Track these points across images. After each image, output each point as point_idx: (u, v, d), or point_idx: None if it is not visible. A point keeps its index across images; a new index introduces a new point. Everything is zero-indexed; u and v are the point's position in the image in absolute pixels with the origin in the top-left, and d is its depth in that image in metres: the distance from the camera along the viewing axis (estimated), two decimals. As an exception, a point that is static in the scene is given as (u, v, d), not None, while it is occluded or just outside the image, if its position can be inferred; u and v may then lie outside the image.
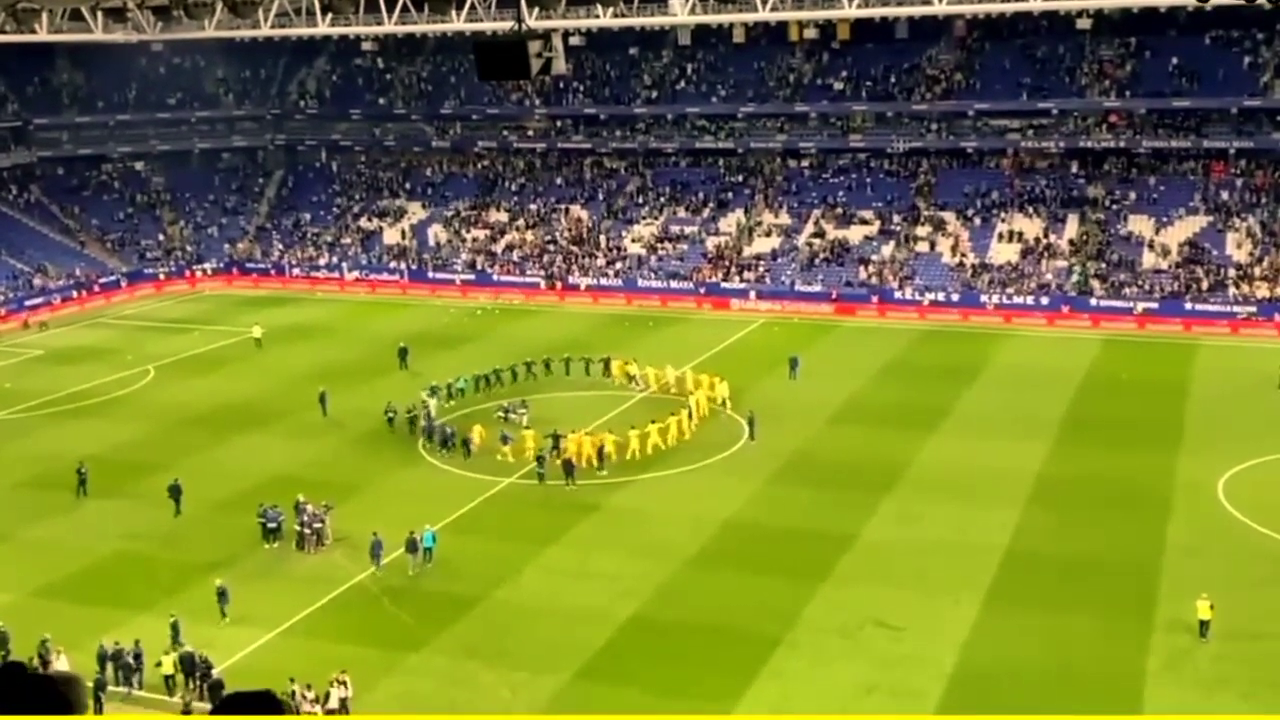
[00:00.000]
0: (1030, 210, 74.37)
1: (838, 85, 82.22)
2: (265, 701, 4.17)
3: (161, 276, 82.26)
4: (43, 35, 71.08)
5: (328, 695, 26.64)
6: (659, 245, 78.42)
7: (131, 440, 47.43)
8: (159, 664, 28.44)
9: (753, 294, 71.68)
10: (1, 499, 41.66)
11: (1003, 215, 74.68)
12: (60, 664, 28.22)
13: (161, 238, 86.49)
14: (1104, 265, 68.91)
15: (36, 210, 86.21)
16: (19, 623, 30.32)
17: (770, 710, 26.94)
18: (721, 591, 32.89)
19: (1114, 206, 73.41)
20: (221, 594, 31.70)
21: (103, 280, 79.35)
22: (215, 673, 27.88)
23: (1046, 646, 29.33)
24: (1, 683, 4.05)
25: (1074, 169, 77.03)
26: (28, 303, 73.80)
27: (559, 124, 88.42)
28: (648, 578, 33.67)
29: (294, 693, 26.41)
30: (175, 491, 39.83)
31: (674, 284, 74.30)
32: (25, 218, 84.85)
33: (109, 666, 28.35)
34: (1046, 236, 72.07)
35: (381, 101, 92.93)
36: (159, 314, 74.14)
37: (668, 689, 27.86)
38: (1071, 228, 72.53)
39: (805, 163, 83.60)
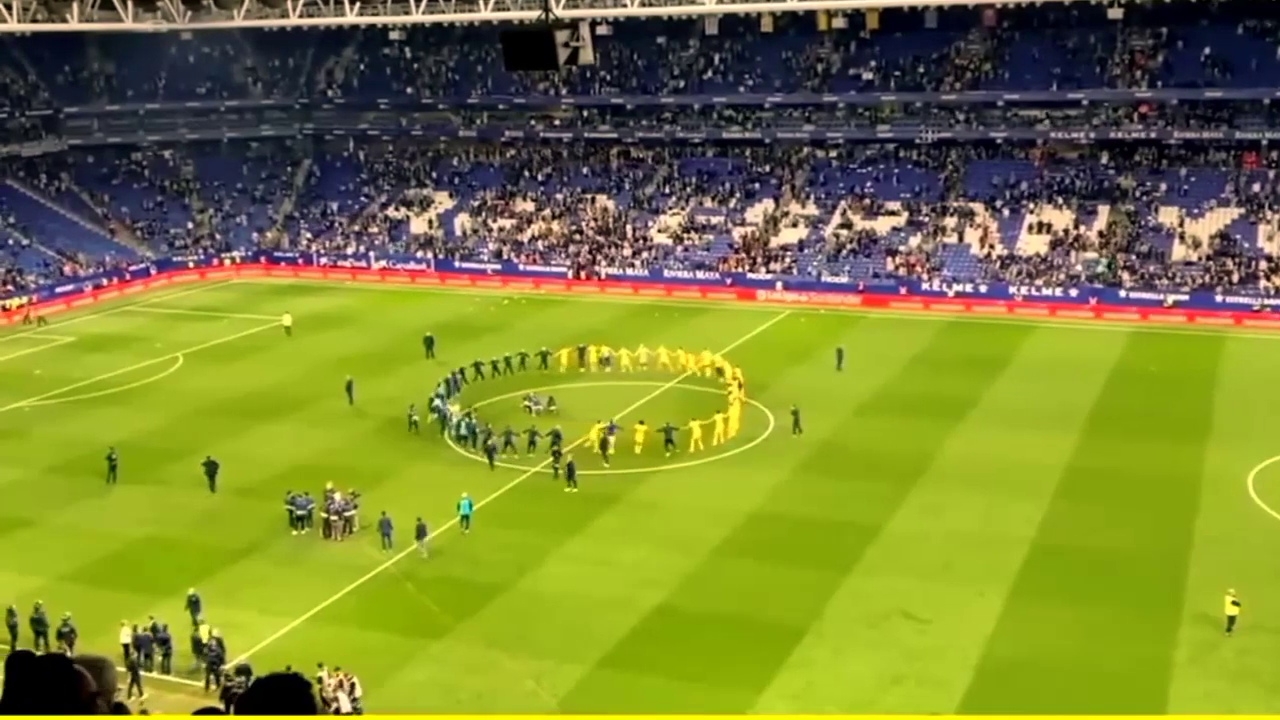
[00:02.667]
0: (1060, 201, 73.90)
1: (866, 75, 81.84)
2: (292, 689, 4.15)
3: (190, 264, 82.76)
4: (74, 24, 71.76)
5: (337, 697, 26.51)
6: (685, 235, 78.33)
7: (160, 427, 47.76)
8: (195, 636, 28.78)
9: (779, 285, 71.51)
10: (32, 484, 42.05)
11: (1032, 206, 74.23)
12: (123, 635, 28.84)
13: (190, 226, 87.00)
14: (1134, 257, 68.40)
15: (67, 198, 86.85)
16: (48, 607, 30.55)
17: (794, 700, 26.92)
18: (746, 582, 32.89)
19: (1144, 198, 72.84)
20: (194, 603, 30.64)
21: (132, 268, 79.88)
22: (243, 658, 28.02)
23: (1073, 639, 29.19)
24: (34, 672, 4.03)
25: (1104, 160, 76.47)
26: (59, 289, 74.38)
27: (585, 113, 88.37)
28: (672, 568, 33.69)
29: (320, 679, 26.57)
30: (211, 468, 40.75)
31: (700, 274, 74.21)
32: (56, 205, 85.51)
33: (134, 650, 28.60)
34: (1076, 228, 71.60)
35: (409, 91, 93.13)
36: (188, 302, 74.61)
37: (692, 678, 27.87)
38: (1101, 219, 72.03)
39: (833, 153, 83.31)
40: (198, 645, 28.83)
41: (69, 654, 26.70)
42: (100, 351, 61.19)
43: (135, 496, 40.50)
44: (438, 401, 46.88)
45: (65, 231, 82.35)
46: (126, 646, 28.60)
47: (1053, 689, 26.91)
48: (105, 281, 77.15)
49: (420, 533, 34.91)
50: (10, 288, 72.44)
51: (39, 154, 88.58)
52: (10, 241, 78.42)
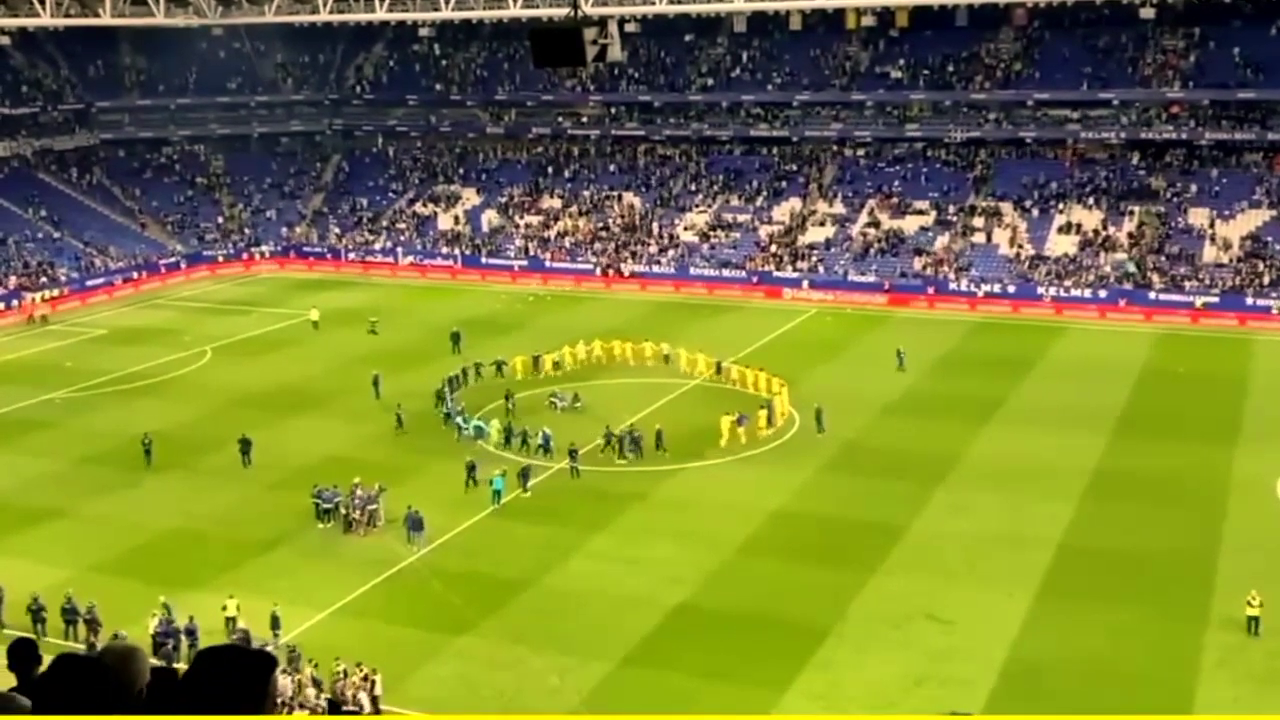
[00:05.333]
0: (1089, 202, 73.46)
1: (895, 73, 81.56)
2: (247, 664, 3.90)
3: (220, 259, 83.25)
4: (106, 19, 72.41)
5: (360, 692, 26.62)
6: (712, 233, 78.27)
7: (189, 420, 48.07)
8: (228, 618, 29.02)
9: (805, 283, 71.35)
10: (63, 474, 42.41)
11: (1061, 207, 73.81)
12: (152, 625, 29.28)
13: (220, 220, 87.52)
14: (1164, 258, 67.92)
15: (98, 192, 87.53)
16: (78, 598, 30.82)
17: (818, 699, 26.89)
18: (770, 580, 32.85)
19: (1175, 199, 72.32)
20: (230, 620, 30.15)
21: (163, 262, 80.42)
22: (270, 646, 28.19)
23: (1099, 641, 29.03)
24: (63, 671, 4.02)
25: (1134, 160, 75.97)
26: (89, 282, 74.97)
27: (613, 111, 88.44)
28: (696, 566, 33.70)
29: (343, 671, 26.71)
30: (245, 445, 42.10)
31: (726, 272, 74.13)
32: (87, 199, 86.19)
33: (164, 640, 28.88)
34: (1105, 228, 71.16)
35: (438, 87, 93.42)
36: (217, 296, 75.07)
37: (715, 676, 27.87)
38: (1131, 220, 71.55)
39: (861, 152, 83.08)
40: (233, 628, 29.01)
41: (94, 641, 26.98)
42: (130, 344, 61.66)
43: (164, 487, 40.82)
44: (475, 421, 45.30)
45: (96, 225, 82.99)
46: (155, 636, 28.88)
47: (1078, 691, 26.78)
48: (135, 275, 77.67)
49: (414, 524, 35.28)
50: (44, 280, 73.04)
51: (71, 148, 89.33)
52: (41, 235, 79.06)
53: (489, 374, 51.57)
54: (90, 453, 44.61)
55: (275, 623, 29.68)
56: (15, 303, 68.85)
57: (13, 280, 72.04)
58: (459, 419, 45.46)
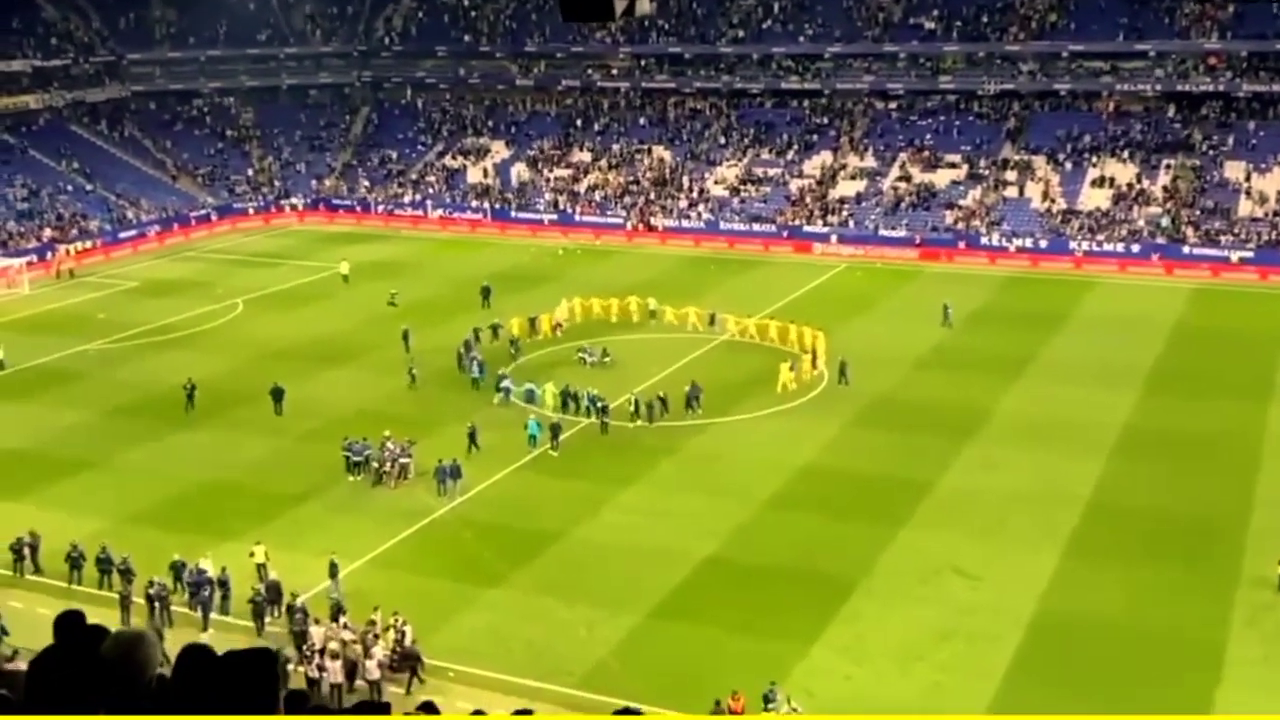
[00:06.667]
0: (1123, 155, 72.57)
1: (928, 25, 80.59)
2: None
3: (250, 211, 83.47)
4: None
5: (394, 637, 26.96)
6: (742, 187, 77.84)
7: (221, 371, 48.37)
8: (252, 587, 29.32)
9: (834, 238, 70.93)
10: (97, 426, 42.85)
11: (1095, 160, 72.97)
12: (206, 564, 29.93)
13: (250, 173, 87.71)
14: (1198, 212, 67.13)
15: (130, 144, 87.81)
16: (112, 548, 31.23)
17: (844, 652, 27.01)
18: (799, 534, 32.93)
19: (1211, 152, 71.37)
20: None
21: (194, 214, 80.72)
22: (300, 601, 28.52)
23: (1127, 599, 29.02)
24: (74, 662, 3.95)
25: (1170, 113, 74.94)
26: (121, 235, 75.36)
27: (643, 63, 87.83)
28: (725, 519, 33.80)
29: (373, 621, 27.01)
30: (278, 394, 42.81)
31: (756, 226, 73.76)
32: (119, 151, 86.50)
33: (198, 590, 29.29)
34: (1139, 182, 70.35)
35: (466, 39, 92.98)
36: (247, 248, 75.34)
37: (743, 629, 28.01)
38: (1166, 174, 70.68)
39: (893, 104, 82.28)
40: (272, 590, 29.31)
41: (128, 592, 27.25)
42: (162, 296, 62.04)
43: (197, 439, 41.19)
44: (512, 386, 44.31)
45: (127, 177, 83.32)
46: (190, 585, 29.29)
47: (1105, 648, 26.77)
48: (167, 227, 78.01)
49: (441, 475, 35.66)
50: (75, 231, 73.46)
51: (102, 100, 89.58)
52: (73, 187, 79.45)
53: (487, 337, 50.16)
54: (124, 404, 45.01)
55: (334, 571, 30.05)
56: (49, 255, 69.28)
57: (46, 232, 72.50)
58: (506, 384, 44.15)
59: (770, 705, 24.07)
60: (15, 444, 41.12)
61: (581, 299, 55.02)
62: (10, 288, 63.38)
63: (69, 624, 4.60)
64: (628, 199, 78.79)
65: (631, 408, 41.53)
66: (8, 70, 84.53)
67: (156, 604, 28.82)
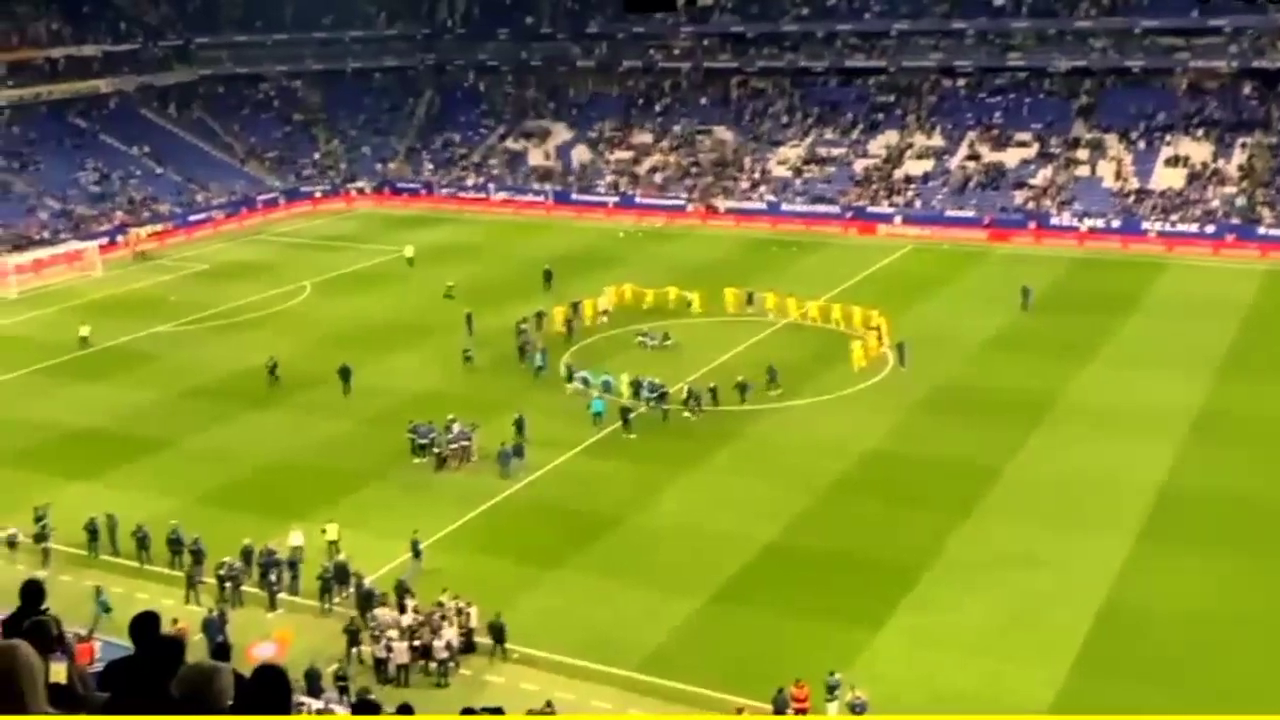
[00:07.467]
0: (1198, 134, 71.03)
1: (997, 1, 79.29)
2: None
3: (317, 194, 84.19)
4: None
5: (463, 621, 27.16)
6: (805, 168, 77.20)
7: (290, 354, 48.71)
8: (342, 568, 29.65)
9: (899, 218, 70.11)
10: (168, 407, 43.48)
11: (1168, 139, 71.51)
12: (294, 539, 30.57)
13: (317, 156, 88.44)
14: (1274, 192, 65.55)
15: (198, 127, 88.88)
16: (183, 528, 31.70)
17: (910, 639, 26.75)
18: (863, 520, 32.65)
19: (1289, 130, 69.66)
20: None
21: (262, 197, 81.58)
22: (367, 582, 28.81)
23: (1201, 587, 28.49)
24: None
25: (1246, 90, 73.18)
26: (191, 218, 76.32)
27: (705, 43, 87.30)
28: (788, 504, 33.61)
29: (441, 603, 27.18)
30: (345, 374, 43.47)
31: (820, 208, 73.10)
32: (188, 134, 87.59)
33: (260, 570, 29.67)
34: (1214, 161, 68.84)
35: (528, 21, 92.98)
36: (314, 231, 76.00)
37: (806, 615, 27.86)
38: (1241, 153, 69.07)
39: (961, 82, 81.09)
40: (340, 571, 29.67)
41: (198, 574, 27.64)
42: (232, 279, 62.79)
43: (267, 421, 41.70)
44: (590, 376, 43.72)
45: (196, 160, 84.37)
46: (262, 566, 29.68)
47: (1176, 639, 26.32)
48: (235, 210, 78.92)
49: (503, 458, 36.09)
50: (146, 214, 74.52)
51: (171, 84, 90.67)
52: (143, 171, 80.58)
53: (531, 327, 49.32)
54: (195, 385, 45.64)
55: (416, 550, 30.61)
56: (120, 237, 70.36)
57: (118, 215, 73.64)
58: (584, 374, 43.65)
59: (834, 694, 23.92)
60: (91, 423, 41.89)
61: (632, 286, 54.51)
62: (85, 270, 64.51)
63: (144, 628, 4.60)
64: (689, 181, 78.45)
65: (684, 396, 41.22)
66: (79, 55, 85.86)
67: (228, 584, 29.27)
